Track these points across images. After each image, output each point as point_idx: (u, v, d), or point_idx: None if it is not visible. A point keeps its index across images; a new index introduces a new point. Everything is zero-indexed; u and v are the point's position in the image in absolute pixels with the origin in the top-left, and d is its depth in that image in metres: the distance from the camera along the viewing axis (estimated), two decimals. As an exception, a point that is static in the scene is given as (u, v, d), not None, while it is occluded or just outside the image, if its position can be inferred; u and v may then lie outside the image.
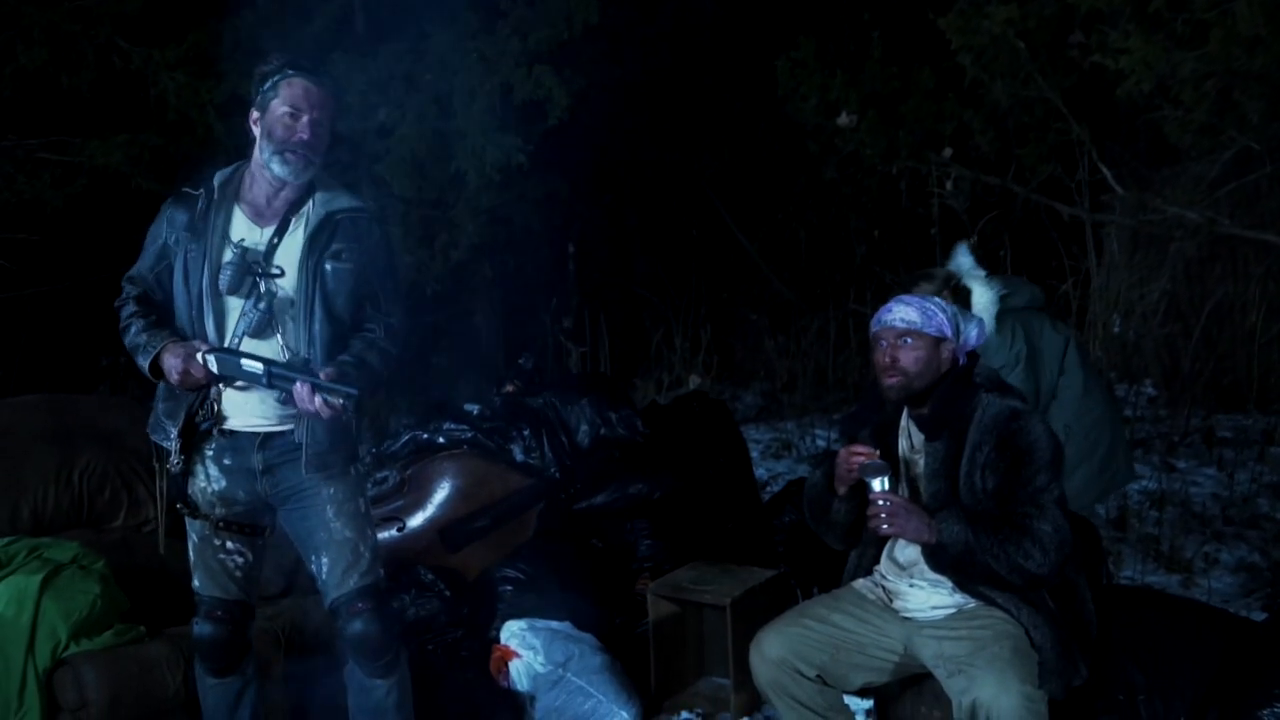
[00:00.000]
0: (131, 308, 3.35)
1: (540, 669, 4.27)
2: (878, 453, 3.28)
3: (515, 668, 4.30)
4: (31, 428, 4.04)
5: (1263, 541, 5.93)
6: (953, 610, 3.31)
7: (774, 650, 3.35)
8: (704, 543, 4.92)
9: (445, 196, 8.23)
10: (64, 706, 3.47)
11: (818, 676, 3.34)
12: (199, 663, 3.44)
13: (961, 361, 3.38)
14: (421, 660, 4.08)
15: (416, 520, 4.81)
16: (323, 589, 3.41)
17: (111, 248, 8.46)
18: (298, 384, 3.12)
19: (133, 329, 3.32)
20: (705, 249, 11.20)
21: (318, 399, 3.11)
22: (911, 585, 3.38)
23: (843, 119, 7.70)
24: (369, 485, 4.64)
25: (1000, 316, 4.53)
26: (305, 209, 3.32)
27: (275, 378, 3.15)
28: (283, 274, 3.27)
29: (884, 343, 3.34)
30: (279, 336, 3.28)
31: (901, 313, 3.34)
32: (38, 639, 3.44)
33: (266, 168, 3.26)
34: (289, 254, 3.29)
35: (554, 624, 4.45)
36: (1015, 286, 4.68)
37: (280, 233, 3.30)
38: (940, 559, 3.24)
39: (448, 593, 4.56)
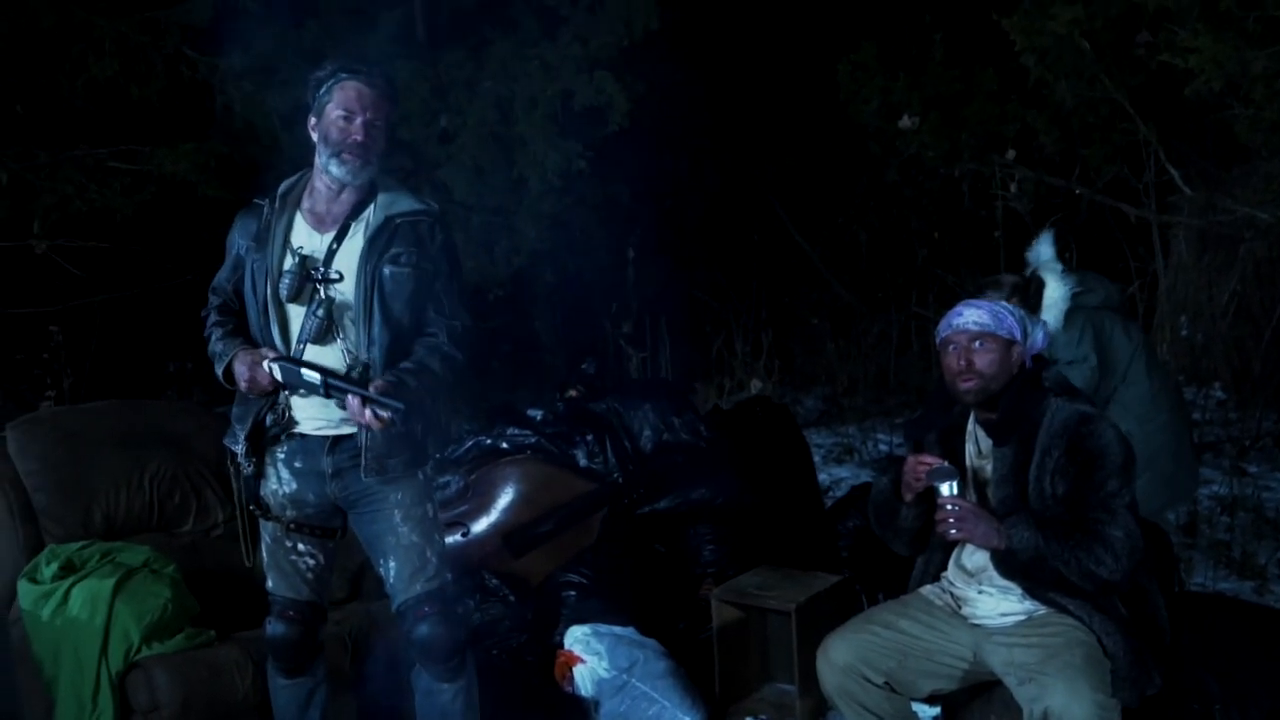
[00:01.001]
0: (214, 317, 3.42)
1: (604, 674, 4.27)
2: (945, 462, 3.25)
3: (579, 673, 4.30)
4: (101, 433, 4.09)
5: (1336, 547, 5.82)
6: (1022, 617, 3.28)
7: (841, 656, 3.33)
8: (768, 548, 4.90)
9: (506, 202, 8.26)
10: (136, 709, 3.51)
11: (885, 683, 3.32)
12: (271, 663, 3.48)
13: (1028, 365, 3.35)
14: (486, 665, 4.08)
15: (480, 525, 4.82)
16: (390, 592, 3.44)
17: (179, 255, 8.61)
18: (350, 396, 3.15)
19: (212, 337, 3.38)
20: (766, 253, 11.17)
21: (367, 412, 3.13)
22: (980, 592, 3.35)
23: (904, 121, 7.66)
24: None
25: (1071, 313, 4.49)
26: (366, 213, 3.33)
27: (331, 388, 3.17)
28: (341, 279, 3.28)
29: (955, 346, 3.32)
30: (340, 341, 3.30)
31: (974, 315, 3.31)
32: (111, 642, 3.48)
33: (325, 171, 3.29)
34: (348, 259, 3.30)
35: (618, 629, 4.45)
36: (1091, 284, 4.63)
37: (340, 238, 3.31)
38: (1010, 564, 3.21)
39: (512, 598, 4.58)
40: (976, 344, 3.29)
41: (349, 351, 3.29)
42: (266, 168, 7.94)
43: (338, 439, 3.36)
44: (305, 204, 3.35)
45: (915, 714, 3.46)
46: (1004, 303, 3.41)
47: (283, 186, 3.37)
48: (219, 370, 3.33)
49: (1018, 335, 3.32)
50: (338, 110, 3.24)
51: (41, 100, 7.43)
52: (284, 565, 3.44)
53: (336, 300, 3.29)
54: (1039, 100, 7.41)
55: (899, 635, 3.35)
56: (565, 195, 8.33)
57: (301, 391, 3.27)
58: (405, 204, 3.37)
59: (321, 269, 3.29)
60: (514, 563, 4.77)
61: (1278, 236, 7.16)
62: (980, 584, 3.35)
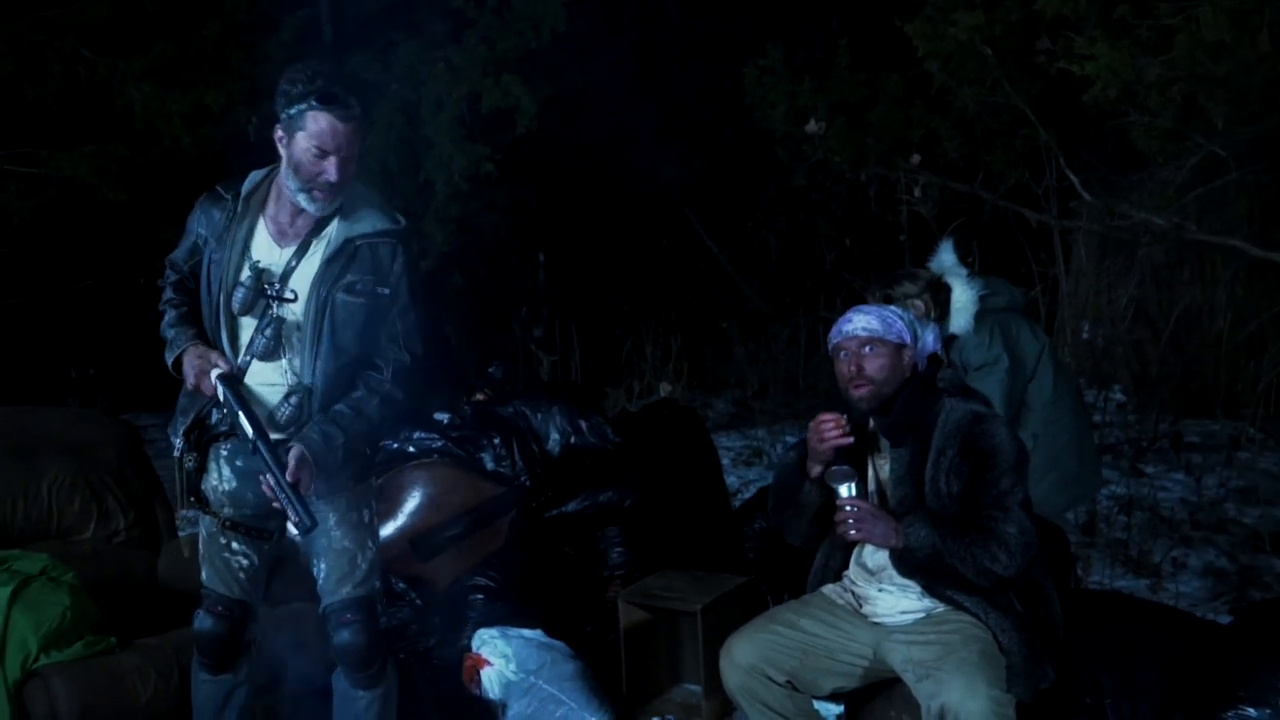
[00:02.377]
0: (169, 294, 3.35)
1: (512, 677, 4.26)
2: (845, 418, 3.28)
3: (487, 675, 4.28)
4: (-6, 441, 4.01)
5: (1230, 546, 5.96)
6: (921, 615, 3.33)
7: (744, 656, 3.36)
8: (675, 550, 4.92)
9: (413, 206, 8.22)
10: (34, 718, 3.44)
11: (787, 682, 3.35)
12: (196, 657, 3.44)
13: (921, 367, 3.40)
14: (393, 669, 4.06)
15: (387, 529, 4.79)
16: (320, 593, 3.42)
17: (79, 259, 8.46)
18: (268, 475, 3.09)
19: (166, 318, 3.32)
20: (675, 257, 11.22)
21: (279, 498, 3.09)
22: (880, 590, 3.40)
23: (811, 126, 7.72)
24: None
25: (980, 316, 4.54)
26: (328, 230, 3.24)
27: (259, 450, 3.11)
28: (295, 299, 3.22)
29: (846, 353, 3.36)
30: (285, 361, 3.25)
31: (863, 322, 3.35)
32: (8, 651, 3.41)
33: (293, 198, 3.19)
34: (303, 279, 3.22)
35: (525, 632, 4.44)
36: (996, 287, 4.70)
37: (300, 254, 3.23)
38: (907, 563, 3.25)
39: (419, 601, 4.56)
40: (866, 349, 3.33)
41: (293, 373, 3.26)
42: (169, 170, 7.84)
43: (279, 442, 3.27)
44: (270, 210, 3.25)
45: (818, 712, 3.49)
46: (893, 307, 3.45)
47: (247, 185, 3.25)
48: (168, 358, 3.27)
49: (907, 339, 3.36)
50: (310, 142, 3.09)
51: (-67, 101, 7.28)
52: (217, 561, 3.40)
53: (287, 320, 3.23)
54: (942, 106, 7.51)
55: (801, 634, 3.38)
56: (473, 199, 8.32)
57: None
58: (368, 223, 3.25)
59: (277, 286, 3.21)
60: (421, 566, 4.75)
61: (1174, 241, 7.34)
62: (880, 582, 3.40)
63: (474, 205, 8.41)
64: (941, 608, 3.29)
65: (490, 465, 5.01)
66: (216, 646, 3.40)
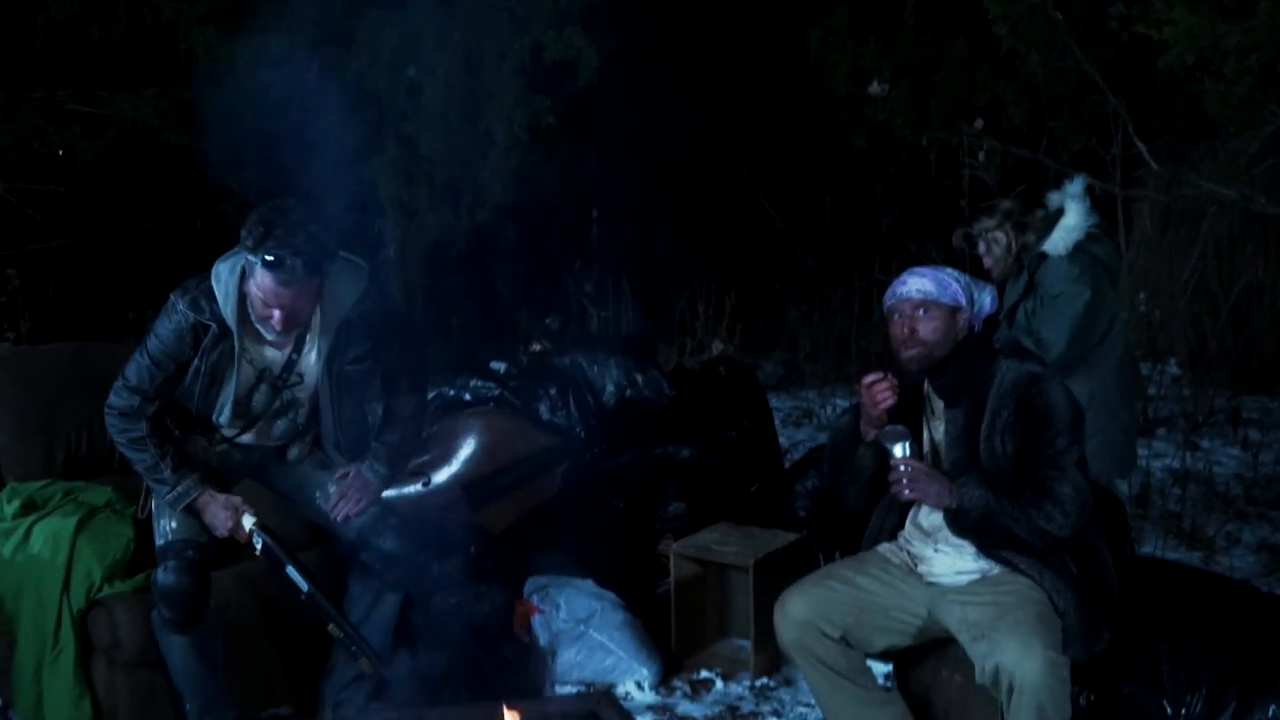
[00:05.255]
0: (138, 429, 3.38)
1: (562, 625, 4.31)
2: (891, 376, 3.26)
3: (537, 623, 4.33)
4: (63, 374, 4.05)
5: (1285, 522, 5.92)
6: (976, 576, 3.32)
7: (799, 611, 3.36)
8: (727, 505, 4.94)
9: (472, 157, 8.21)
10: (98, 646, 3.51)
11: (841, 638, 3.36)
12: (162, 619, 3.37)
13: (978, 329, 3.37)
14: (444, 614, 4.11)
15: (441, 476, 4.82)
16: (334, 513, 3.57)
17: (139, 201, 8.52)
18: (331, 626, 3.36)
19: (144, 459, 3.40)
20: (730, 216, 11.16)
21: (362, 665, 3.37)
22: (936, 551, 3.39)
23: (874, 88, 7.61)
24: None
25: (1080, 249, 4.48)
26: (315, 322, 3.39)
27: (314, 601, 3.34)
28: (301, 380, 3.45)
29: (900, 315, 3.34)
30: (290, 418, 3.51)
31: (917, 284, 3.32)
32: (73, 580, 3.47)
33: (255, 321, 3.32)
34: (308, 366, 3.45)
35: (576, 581, 4.48)
36: (1104, 237, 4.64)
37: (297, 349, 3.42)
38: (962, 523, 3.24)
39: (472, 548, 4.58)
40: (920, 312, 3.30)
41: (297, 424, 3.53)
42: (230, 115, 7.87)
43: (283, 448, 3.58)
44: (253, 317, 3.33)
45: (869, 669, 3.50)
46: (949, 270, 3.41)
47: (226, 309, 3.29)
48: (167, 495, 3.37)
49: (962, 301, 3.33)
50: (259, 291, 3.20)
51: (-2, 40, 7.32)
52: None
53: (301, 398, 3.49)
54: (1009, 71, 7.40)
55: (856, 591, 3.38)
56: (532, 151, 8.28)
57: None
58: (346, 294, 3.37)
59: (282, 376, 3.41)
60: (475, 514, 4.78)
61: (1240, 214, 7.22)
62: (936, 543, 3.39)
63: (532, 158, 8.37)
64: (997, 569, 3.28)
65: (546, 415, 5.03)
66: (185, 599, 3.34)
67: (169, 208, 8.40)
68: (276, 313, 3.20)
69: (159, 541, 3.43)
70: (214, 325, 3.28)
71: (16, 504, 3.68)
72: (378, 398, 3.63)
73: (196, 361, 3.32)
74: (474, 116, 7.95)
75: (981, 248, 4.62)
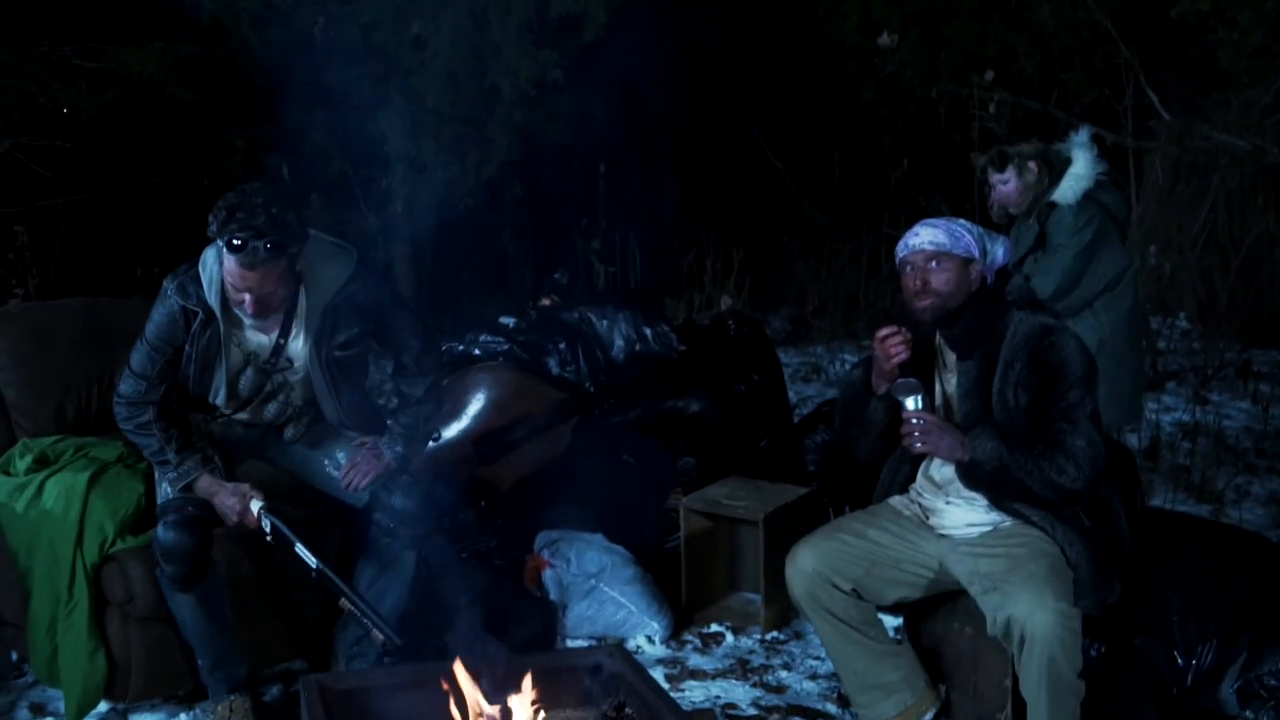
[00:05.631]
0: (144, 415, 3.44)
1: (573, 579, 4.32)
2: (904, 330, 3.26)
3: (548, 577, 4.34)
4: (73, 330, 4.02)
5: (1295, 474, 5.92)
6: (988, 528, 3.32)
7: (810, 563, 3.37)
8: (737, 459, 4.94)
9: (478, 112, 8.17)
10: (111, 600, 3.51)
11: (853, 590, 3.37)
12: (166, 577, 3.38)
13: (990, 280, 3.36)
14: (455, 568, 4.12)
15: (451, 431, 4.83)
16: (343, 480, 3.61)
17: (146, 157, 8.48)
18: (343, 601, 3.37)
19: (150, 444, 3.46)
20: (738, 170, 11.10)
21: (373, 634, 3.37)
22: (948, 503, 3.38)
23: (883, 39, 7.59)
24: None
25: (1088, 197, 4.54)
26: (300, 306, 3.42)
27: (323, 577, 3.35)
28: (292, 365, 3.49)
29: (912, 267, 3.31)
30: (281, 398, 3.57)
31: (929, 235, 3.30)
32: (86, 535, 3.47)
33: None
34: (297, 352, 3.48)
35: (586, 536, 4.49)
36: (1112, 184, 4.70)
37: (284, 334, 3.44)
38: (974, 476, 3.24)
39: (482, 503, 4.60)
40: (933, 264, 3.28)
41: (290, 405, 3.58)
42: (235, 70, 7.83)
43: (280, 427, 3.63)
44: (231, 302, 3.36)
45: (880, 621, 3.51)
46: (962, 221, 3.40)
47: (211, 296, 3.33)
48: (174, 486, 3.42)
49: (975, 252, 3.31)
50: (228, 276, 3.26)
51: (2, -7, 7.28)
52: None
53: (293, 382, 3.53)
54: (1020, 21, 7.35)
55: (868, 544, 3.39)
56: (538, 106, 8.24)
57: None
58: (332, 277, 3.40)
59: (272, 360, 3.47)
60: (485, 469, 4.79)
61: (1252, 166, 7.16)
62: (948, 495, 3.38)
63: (539, 113, 8.33)
64: (1009, 521, 3.28)
65: (555, 370, 5.03)
66: (188, 555, 3.35)
67: (176, 164, 8.36)
68: (246, 296, 3.24)
69: (159, 500, 3.48)
70: (200, 311, 3.34)
71: (29, 459, 3.68)
72: (388, 379, 3.72)
73: (188, 347, 3.38)
74: (480, 71, 7.91)
75: (1008, 174, 4.67)
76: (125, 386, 3.44)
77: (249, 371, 3.47)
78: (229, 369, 3.43)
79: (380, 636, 3.33)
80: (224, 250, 3.21)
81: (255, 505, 3.38)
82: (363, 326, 3.48)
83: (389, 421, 3.68)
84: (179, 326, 3.36)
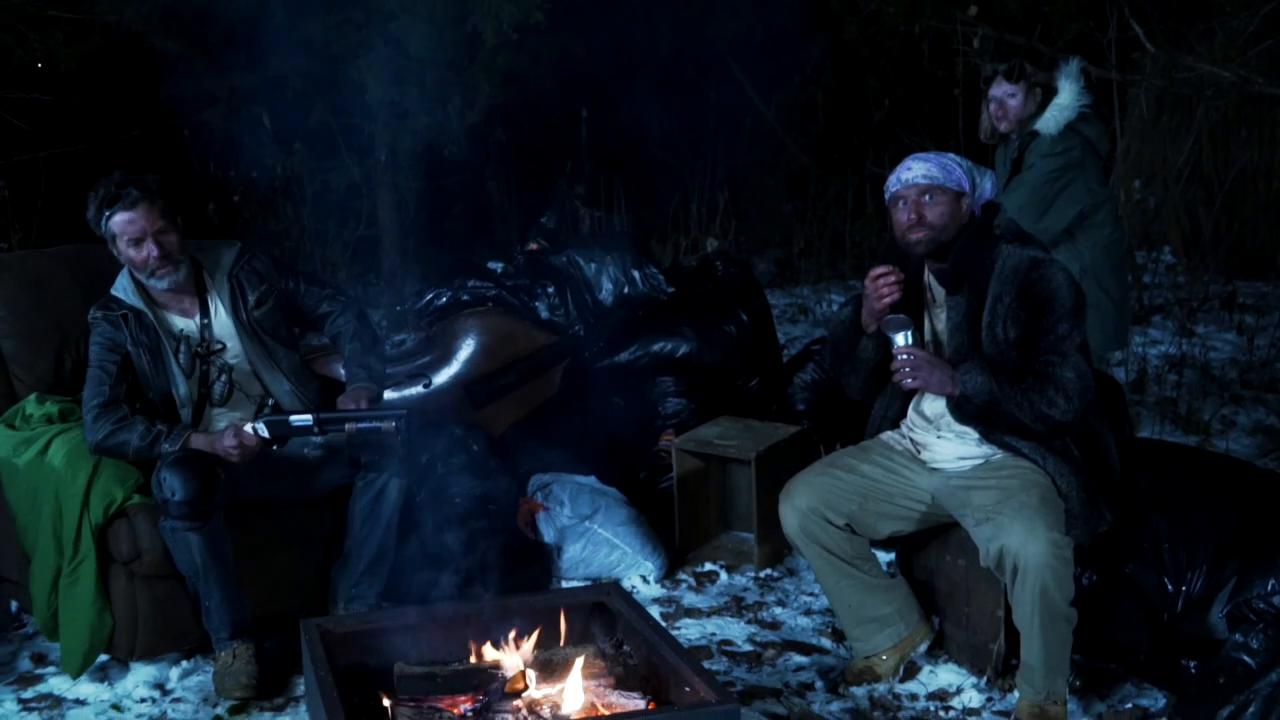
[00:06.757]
0: (117, 413, 3.51)
1: (567, 521, 4.34)
2: (898, 270, 3.27)
3: (542, 520, 4.36)
4: (68, 278, 3.95)
5: (1281, 404, 5.96)
6: (980, 461, 3.35)
7: (803, 499, 3.40)
8: (727, 400, 4.96)
9: (460, 57, 8.09)
10: (117, 558, 3.49)
11: (846, 525, 3.40)
12: (174, 519, 3.38)
13: (978, 214, 3.36)
14: (450, 513, 4.14)
15: (442, 377, 4.84)
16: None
17: (126, 109, 8.41)
18: (346, 427, 3.47)
19: (133, 437, 3.49)
20: (721, 112, 11.04)
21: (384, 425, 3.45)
22: (939, 437, 3.41)
23: (866, -25, 7.52)
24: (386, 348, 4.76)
25: (1070, 128, 4.58)
26: (210, 288, 3.69)
27: (324, 422, 3.46)
28: (224, 347, 3.67)
29: (905, 201, 3.31)
30: (243, 395, 3.69)
31: (922, 169, 3.30)
32: (92, 499, 3.43)
33: (149, 286, 3.60)
34: (223, 328, 3.67)
35: (579, 478, 4.52)
36: (1095, 117, 4.74)
37: (204, 315, 3.67)
38: (965, 410, 3.26)
39: (475, 447, 4.61)
40: (926, 197, 3.28)
41: (254, 399, 3.70)
42: (214, 18, 7.75)
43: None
44: (157, 299, 3.64)
45: (874, 555, 3.55)
46: (951, 154, 3.40)
47: (125, 295, 3.60)
48: (168, 448, 3.47)
49: (966, 186, 3.32)
50: (124, 240, 3.52)
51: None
52: None
53: (230, 363, 3.67)
54: (1004, -47, 7.32)
55: (860, 479, 3.42)
56: (520, 50, 8.17)
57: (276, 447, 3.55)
58: (226, 256, 3.74)
59: (204, 344, 3.64)
60: (476, 414, 4.80)
61: (1236, 98, 7.15)
62: (939, 430, 3.41)
63: (521, 57, 8.25)
64: (1000, 454, 3.31)
65: (544, 314, 5.03)
66: (190, 480, 3.36)
67: (157, 115, 8.28)
68: (149, 245, 3.49)
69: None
70: (129, 312, 3.58)
71: (43, 411, 3.69)
72: (324, 317, 3.90)
73: (132, 348, 3.57)
74: (461, 16, 7.82)
75: (1018, 89, 4.67)
76: (89, 419, 3.51)
77: (182, 353, 3.61)
78: (175, 354, 3.60)
79: (392, 425, 3.42)
80: (112, 220, 3.49)
81: (248, 425, 3.47)
82: (269, 283, 3.75)
83: (354, 368, 3.80)
84: (119, 333, 3.57)
